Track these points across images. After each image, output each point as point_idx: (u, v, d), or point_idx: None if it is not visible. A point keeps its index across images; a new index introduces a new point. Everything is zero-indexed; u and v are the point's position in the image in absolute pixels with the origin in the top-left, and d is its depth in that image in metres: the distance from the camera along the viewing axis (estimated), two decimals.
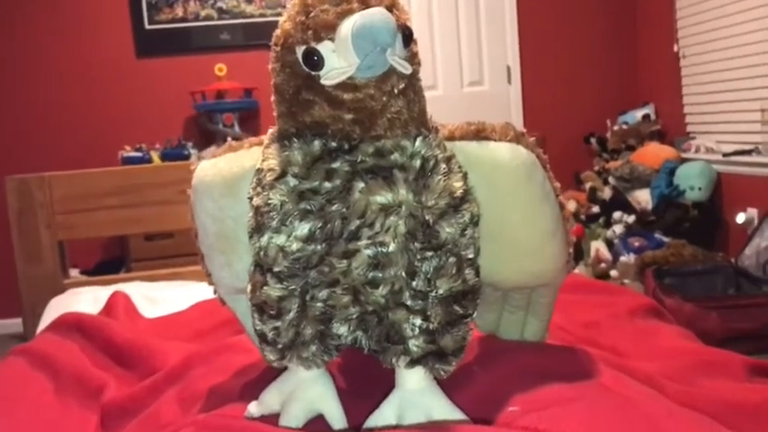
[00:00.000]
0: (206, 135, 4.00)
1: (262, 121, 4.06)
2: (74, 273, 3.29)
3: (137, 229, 2.17)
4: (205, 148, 3.87)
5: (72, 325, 1.41)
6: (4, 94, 3.94)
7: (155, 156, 3.71)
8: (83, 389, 1.15)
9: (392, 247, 0.75)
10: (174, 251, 3.24)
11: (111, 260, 3.88)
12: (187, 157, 3.67)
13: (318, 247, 0.76)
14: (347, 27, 0.71)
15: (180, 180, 2.00)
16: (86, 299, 1.79)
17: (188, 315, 1.54)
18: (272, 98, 0.83)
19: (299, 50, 0.76)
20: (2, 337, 3.68)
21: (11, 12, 3.91)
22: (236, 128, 3.87)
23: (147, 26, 4.02)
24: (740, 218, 3.38)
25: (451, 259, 0.78)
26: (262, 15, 4.05)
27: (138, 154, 3.69)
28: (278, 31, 0.79)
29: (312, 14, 0.74)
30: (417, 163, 0.77)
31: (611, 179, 3.88)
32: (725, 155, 3.48)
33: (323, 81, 0.75)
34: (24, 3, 3.92)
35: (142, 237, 3.49)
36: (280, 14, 0.79)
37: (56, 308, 1.75)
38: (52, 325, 1.44)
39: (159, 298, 1.76)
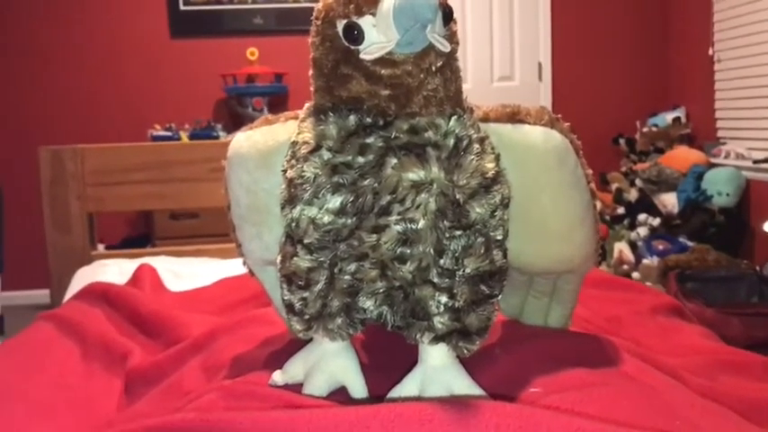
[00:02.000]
0: (235, 118, 4.03)
1: (290, 107, 4.08)
2: (100, 248, 3.34)
3: (164, 204, 2.19)
4: (233, 131, 3.90)
5: (99, 294, 1.43)
6: (41, 69, 4.00)
7: (183, 136, 3.75)
8: (108, 355, 1.17)
9: (421, 224, 0.76)
10: (199, 231, 3.28)
11: (137, 237, 3.93)
12: (215, 139, 3.70)
13: (349, 220, 0.77)
14: (389, 2, 0.71)
15: (208, 158, 2.04)
16: (113, 271, 1.81)
17: (213, 290, 1.56)
18: (310, 72, 0.84)
19: (340, 24, 0.76)
20: (29, 307, 3.75)
21: None
22: (266, 112, 3.89)
23: (182, 7, 4.05)
24: (767, 226, 3.34)
25: (480, 239, 0.78)
26: (295, 1, 4.07)
27: (168, 133, 3.73)
28: (319, 5, 0.80)
29: None
30: (451, 142, 0.78)
31: (637, 181, 3.85)
32: (755, 162, 3.44)
33: (362, 55, 0.75)
34: None
35: (167, 215, 3.53)
36: (313, 1, 0.80)
37: (82, 278, 1.78)
38: (79, 293, 1.47)
39: (185, 273, 1.78)
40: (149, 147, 2.20)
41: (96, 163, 2.03)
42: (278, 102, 4.05)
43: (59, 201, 2.02)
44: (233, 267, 1.66)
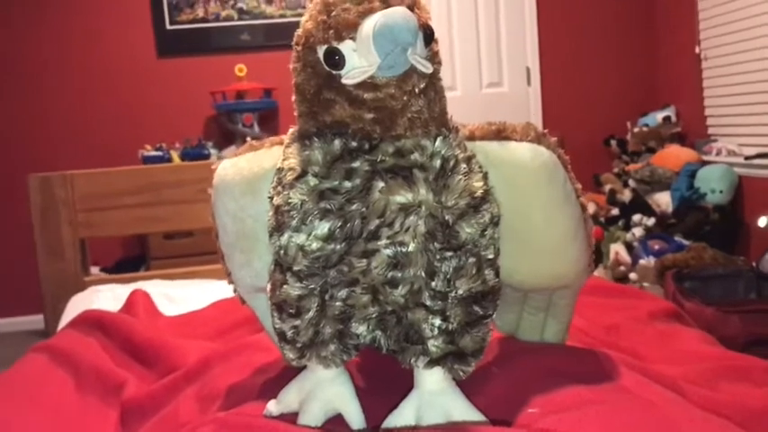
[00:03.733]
0: (226, 135, 4.03)
1: (281, 122, 4.08)
2: (94, 270, 3.32)
3: (157, 227, 2.18)
4: (225, 148, 3.90)
5: (93, 322, 1.42)
6: (27, 93, 3.98)
7: (174, 155, 3.74)
8: (103, 386, 1.16)
9: (412, 247, 0.75)
10: (194, 250, 3.27)
11: (131, 258, 3.91)
12: (207, 157, 3.69)
13: (338, 246, 0.76)
14: (368, 26, 0.71)
15: (199, 179, 2.02)
16: (107, 296, 1.80)
17: (207, 313, 1.55)
18: (293, 98, 0.83)
19: (321, 50, 0.76)
20: (23, 333, 3.73)
21: (33, 12, 3.96)
22: (256, 128, 3.88)
23: (169, 26, 4.05)
24: (762, 221, 3.34)
25: (471, 260, 0.77)
26: (282, 16, 4.07)
27: (159, 153, 3.72)
28: (299, 31, 0.79)
29: (333, 13, 0.74)
30: (437, 163, 0.77)
31: (630, 181, 3.85)
32: (747, 158, 3.44)
33: (344, 80, 0.75)
34: (47, 3, 3.96)
35: (162, 235, 3.52)
36: (300, 15, 0.80)
37: (76, 305, 1.76)
38: (73, 322, 1.45)
39: (178, 296, 1.77)
40: (139, 170, 2.19)
41: (86, 188, 2.02)
42: (268, 117, 4.04)
43: (51, 227, 2.00)
44: (227, 289, 1.65)
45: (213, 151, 3.82)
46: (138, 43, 4.04)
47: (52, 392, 1.15)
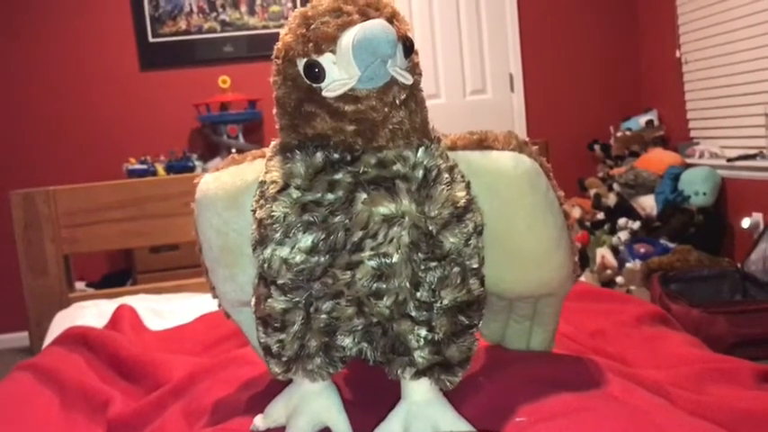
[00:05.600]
0: (210, 147, 4.01)
1: (266, 132, 4.07)
2: (80, 285, 3.30)
3: (142, 242, 2.16)
4: (210, 160, 3.89)
5: (78, 339, 1.41)
6: (7, 108, 3.95)
7: (159, 168, 3.72)
8: (89, 403, 1.15)
9: (396, 258, 0.75)
10: (180, 263, 3.25)
11: (117, 272, 3.88)
12: (192, 169, 3.68)
13: (322, 258, 0.76)
14: (348, 39, 0.71)
15: (184, 192, 2.01)
16: (92, 313, 1.79)
17: (193, 327, 1.54)
18: (274, 111, 0.83)
19: (301, 63, 0.76)
20: (8, 350, 3.69)
21: (14, 25, 3.93)
22: (241, 139, 3.87)
23: (151, 39, 4.03)
24: (745, 222, 3.37)
25: (456, 269, 0.77)
26: (265, 27, 4.06)
27: (143, 166, 3.70)
28: (279, 44, 0.79)
29: (313, 27, 0.74)
30: (420, 173, 0.77)
31: (615, 185, 3.87)
32: (729, 160, 3.47)
33: (324, 93, 0.75)
34: (28, 16, 3.94)
35: (148, 249, 3.50)
36: (282, 26, 0.80)
37: (61, 322, 1.75)
38: (58, 339, 1.44)
39: (165, 311, 1.76)
40: (123, 184, 2.18)
41: (69, 204, 2.00)
42: (252, 128, 4.03)
43: (34, 244, 1.99)
44: (213, 303, 1.64)
45: (198, 163, 3.81)
46: (120, 56, 4.02)
47: (37, 411, 1.13)
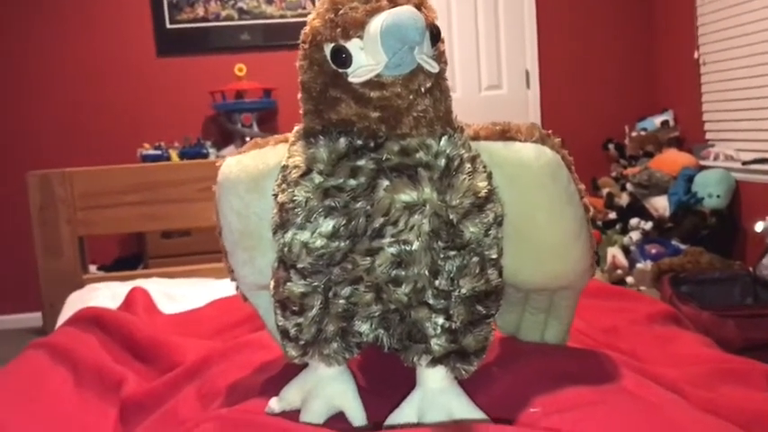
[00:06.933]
0: (224, 134, 4.03)
1: (280, 122, 4.08)
2: (92, 269, 3.32)
3: (155, 226, 2.18)
4: (223, 148, 3.90)
5: (91, 319, 1.41)
6: (26, 91, 3.98)
7: (173, 154, 3.73)
8: (102, 383, 1.16)
9: (416, 246, 0.75)
10: (192, 249, 3.27)
11: (129, 257, 3.91)
12: (205, 156, 3.69)
13: (342, 244, 0.77)
14: (376, 25, 0.71)
15: (198, 178, 2.03)
16: (105, 294, 1.80)
17: (206, 312, 1.55)
18: (299, 95, 0.83)
19: (328, 48, 0.76)
20: (21, 331, 3.72)
21: (32, 9, 3.95)
22: (255, 128, 3.88)
23: (169, 25, 4.04)
24: (759, 226, 3.34)
25: (475, 259, 0.78)
26: (282, 16, 4.06)
27: (157, 152, 3.71)
28: (306, 29, 0.79)
29: (341, 12, 0.74)
30: (442, 162, 0.78)
31: (628, 185, 3.86)
32: (744, 163, 3.45)
33: (350, 78, 0.75)
34: (49, 4, 3.96)
35: (159, 234, 3.51)
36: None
37: (75, 303, 1.76)
38: (71, 319, 1.45)
39: (178, 295, 1.77)
40: (138, 168, 2.18)
41: (85, 186, 2.02)
42: (267, 117, 4.04)
43: (49, 225, 2.00)
44: (226, 288, 1.65)
45: (212, 150, 3.82)
46: (137, 42, 4.04)
47: (51, 389, 1.14)
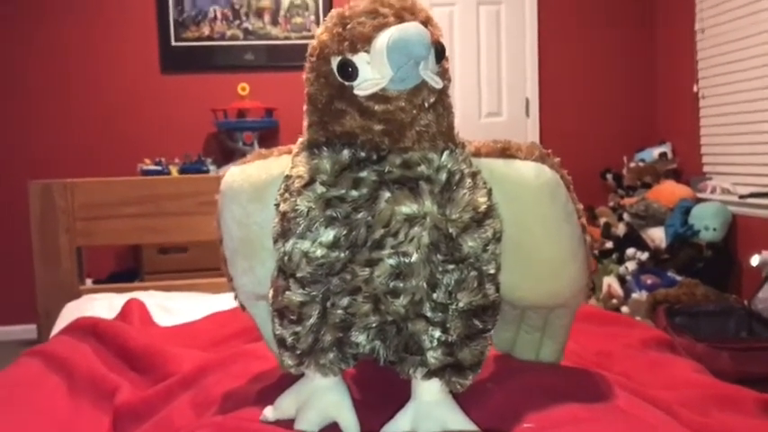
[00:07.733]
0: (225, 152, 4.04)
1: (281, 141, 4.09)
2: (87, 282, 3.31)
3: (154, 238, 2.18)
4: (224, 166, 3.91)
5: (87, 328, 1.41)
6: (31, 104, 4.00)
7: (173, 170, 3.75)
8: (96, 391, 1.16)
9: (415, 258, 0.76)
10: (188, 265, 3.26)
11: (125, 271, 3.90)
12: (206, 173, 3.70)
13: (342, 254, 0.77)
14: (383, 40, 0.73)
15: (198, 192, 2.04)
16: (101, 305, 1.80)
17: (202, 325, 1.55)
18: (304, 107, 0.85)
19: (335, 61, 0.78)
20: (15, 342, 3.69)
21: (40, 24, 3.99)
22: (256, 146, 3.89)
23: (174, 43, 4.08)
24: (754, 260, 3.36)
25: (473, 273, 0.78)
26: (286, 38, 4.10)
27: (158, 168, 3.73)
28: (314, 42, 0.81)
29: (349, 26, 0.76)
30: (443, 176, 0.79)
31: (625, 216, 3.87)
32: (741, 197, 3.47)
33: (356, 91, 0.76)
34: (54, 16, 4.00)
35: (156, 249, 3.51)
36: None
37: (71, 313, 1.76)
38: (67, 328, 1.45)
39: (174, 308, 1.77)
40: (139, 181, 2.20)
41: (86, 197, 2.02)
42: (268, 136, 4.06)
43: (48, 235, 2.00)
44: (223, 302, 1.65)
45: (212, 168, 3.83)
46: (142, 58, 4.07)
47: (45, 396, 1.14)
